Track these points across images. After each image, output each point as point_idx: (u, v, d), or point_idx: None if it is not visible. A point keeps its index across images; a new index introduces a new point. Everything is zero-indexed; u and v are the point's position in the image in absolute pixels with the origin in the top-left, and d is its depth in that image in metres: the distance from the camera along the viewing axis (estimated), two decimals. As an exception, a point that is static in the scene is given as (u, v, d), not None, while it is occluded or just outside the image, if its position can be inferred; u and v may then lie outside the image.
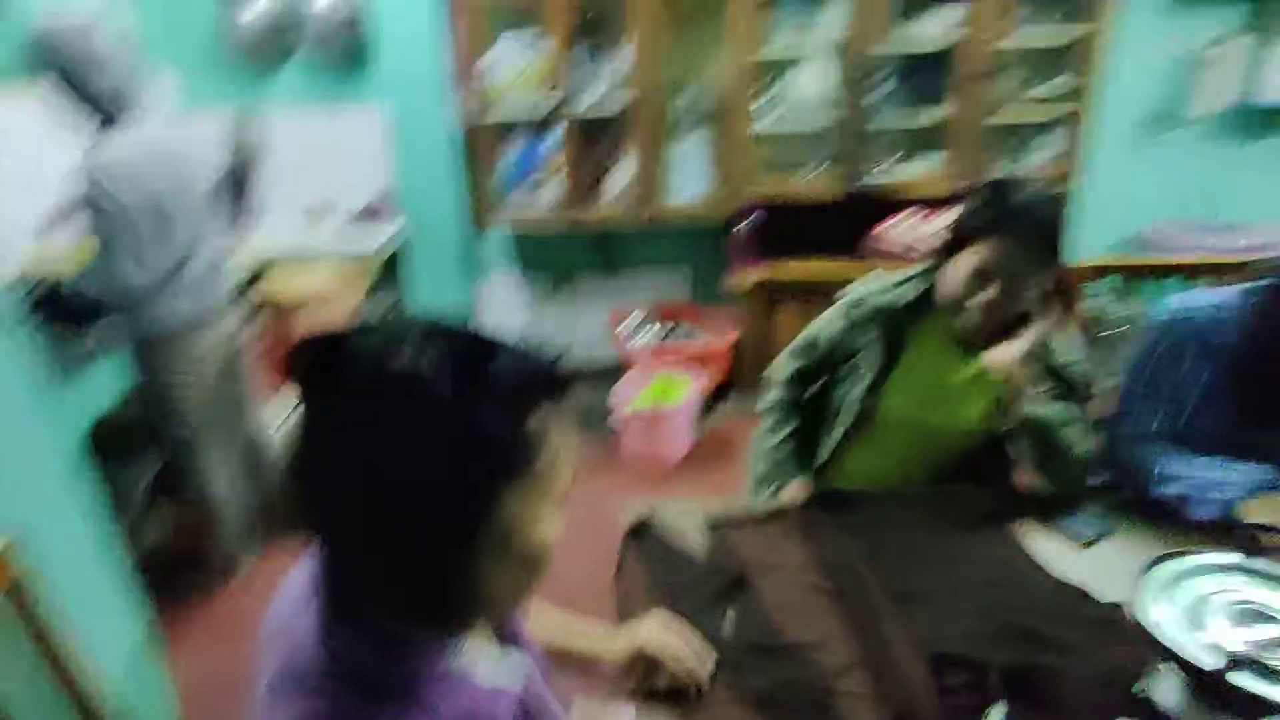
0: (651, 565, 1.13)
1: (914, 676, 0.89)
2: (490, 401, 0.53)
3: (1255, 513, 1.11)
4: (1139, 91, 2.96)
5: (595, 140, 2.95)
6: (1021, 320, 1.20)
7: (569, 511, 0.62)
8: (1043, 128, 2.85)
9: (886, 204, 2.87)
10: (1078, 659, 0.92)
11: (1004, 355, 1.18)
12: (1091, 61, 2.65)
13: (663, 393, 2.77)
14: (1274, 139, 3.06)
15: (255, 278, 2.44)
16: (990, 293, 1.18)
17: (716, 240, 3.07)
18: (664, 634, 0.92)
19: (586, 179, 2.95)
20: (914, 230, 2.81)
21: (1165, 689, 0.83)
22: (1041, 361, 1.22)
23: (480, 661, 0.64)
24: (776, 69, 2.75)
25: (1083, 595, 1.05)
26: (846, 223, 2.92)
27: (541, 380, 0.57)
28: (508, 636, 0.73)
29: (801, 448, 1.46)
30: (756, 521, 1.23)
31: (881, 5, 2.56)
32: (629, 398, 2.74)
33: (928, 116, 2.79)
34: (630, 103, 2.71)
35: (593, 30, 2.74)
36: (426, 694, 0.58)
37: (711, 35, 2.75)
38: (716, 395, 3.09)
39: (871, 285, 1.36)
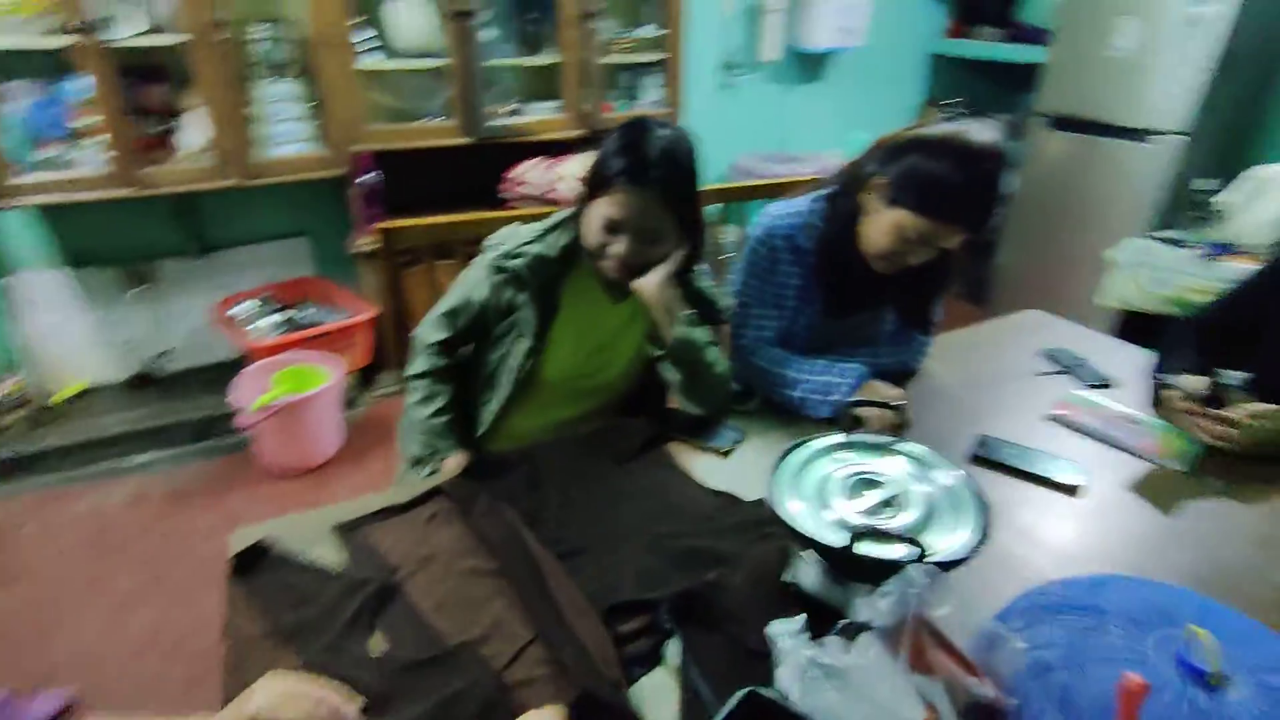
0: (268, 605, 0.88)
1: (591, 638, 0.81)
2: None
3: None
4: (715, 39, 3.29)
5: (144, 85, 2.33)
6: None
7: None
8: (645, 71, 3.01)
9: (515, 149, 2.79)
10: (734, 565, 0.93)
11: (650, 280, 1.17)
12: (670, 11, 2.85)
13: (295, 384, 2.38)
14: (818, 81, 3.67)
15: None
16: (622, 243, 1.14)
17: (336, 201, 2.70)
18: (280, 700, 0.70)
19: (142, 134, 2.33)
20: (548, 174, 2.78)
21: (805, 572, 0.87)
22: (681, 286, 1.24)
23: None
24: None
25: (732, 500, 1.09)
26: (476, 171, 2.78)
27: None
28: None
29: (459, 417, 1.32)
30: (401, 511, 1.05)
31: (473, -65, 2.40)
32: (254, 395, 2.29)
33: (541, 58, 2.75)
34: (192, 37, 2.17)
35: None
36: None
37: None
38: (365, 378, 2.78)
39: (511, 240, 1.25)
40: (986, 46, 3.65)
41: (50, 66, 2.20)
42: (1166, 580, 0.95)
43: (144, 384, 2.72)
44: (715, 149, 3.43)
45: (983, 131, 1.18)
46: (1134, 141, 2.83)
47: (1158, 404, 1.37)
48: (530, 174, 2.80)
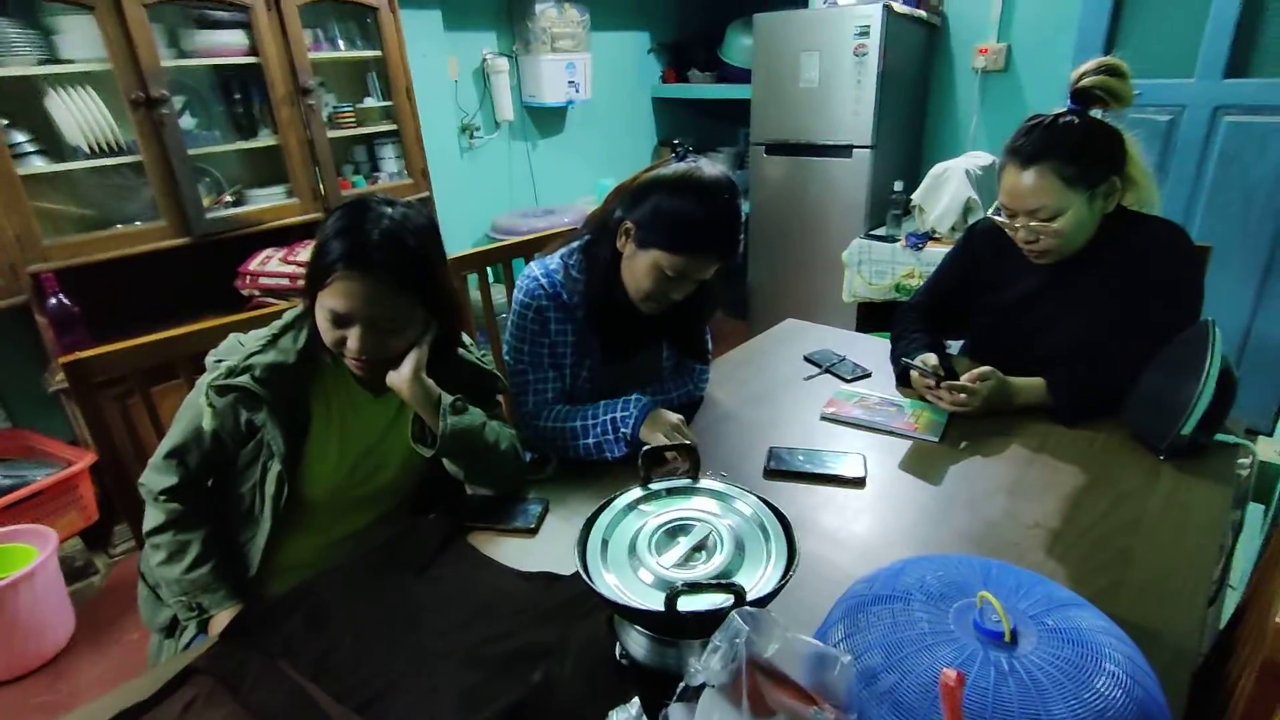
0: None
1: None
2: None
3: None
4: (448, 104, 3.26)
5: None
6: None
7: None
8: (381, 142, 2.89)
9: (245, 241, 2.51)
10: (563, 653, 0.86)
11: (401, 375, 1.08)
12: (394, 80, 2.77)
13: (-5, 568, 1.90)
14: (557, 134, 3.78)
15: None
16: (355, 336, 1.03)
17: (23, 335, 2.24)
18: None
19: None
20: (288, 263, 2.53)
21: (635, 643, 0.82)
22: (447, 366, 1.16)
23: None
24: (25, 93, 2.08)
25: (549, 579, 1.02)
26: (204, 273, 2.47)
27: None
28: None
29: (224, 561, 1.12)
30: (146, 709, 0.84)
31: (140, 18, 2.14)
32: (-63, 598, 1.79)
33: (257, 141, 2.52)
34: None
35: None
36: None
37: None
38: (97, 539, 2.31)
39: (234, 354, 1.08)
40: (699, 88, 4.00)
41: None
42: (951, 545, 1.05)
43: None
44: (471, 212, 3.39)
45: (712, 167, 1.25)
46: (836, 157, 3.24)
47: (903, 384, 1.53)
48: (269, 265, 2.54)
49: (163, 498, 1.10)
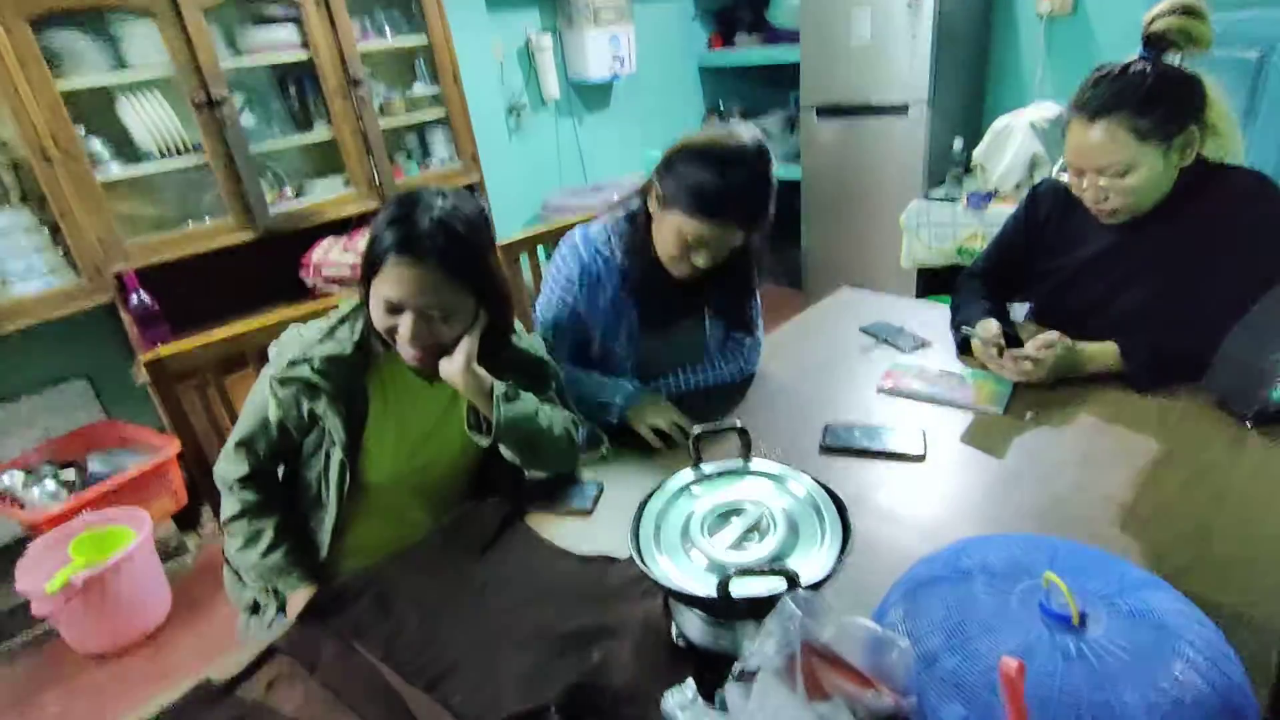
0: None
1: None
2: None
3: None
4: (494, 86, 3.27)
5: None
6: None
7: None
8: (431, 129, 2.93)
9: (307, 233, 2.60)
10: (620, 635, 0.88)
11: (454, 365, 1.10)
12: (441, 66, 2.79)
13: (97, 551, 2.04)
14: (604, 110, 3.75)
15: None
16: (407, 324, 1.05)
17: (112, 331, 2.38)
18: None
19: None
20: (348, 252, 2.61)
21: (690, 625, 0.83)
22: (498, 354, 1.17)
23: None
24: (99, 102, 2.18)
25: (607, 562, 1.03)
26: (269, 265, 2.57)
27: None
28: None
29: (299, 544, 1.17)
30: (227, 691, 0.89)
31: (199, 22, 2.21)
32: (48, 575, 1.94)
33: (314, 135, 2.59)
34: None
35: None
36: None
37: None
38: (187, 521, 2.46)
39: (294, 346, 1.12)
40: (746, 53, 3.90)
41: None
42: (1014, 525, 1.02)
43: (-97, 597, 2.24)
44: (521, 192, 3.41)
45: (745, 131, 1.23)
46: (893, 116, 3.12)
47: (965, 353, 1.48)
48: (330, 255, 2.62)
49: (236, 486, 1.17)
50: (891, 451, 1.20)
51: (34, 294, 2.12)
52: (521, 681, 0.83)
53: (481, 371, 1.12)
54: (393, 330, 1.07)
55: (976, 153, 2.85)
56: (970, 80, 3.27)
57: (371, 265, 1.05)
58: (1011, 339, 1.36)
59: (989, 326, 1.37)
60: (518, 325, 1.25)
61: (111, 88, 2.18)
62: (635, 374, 1.40)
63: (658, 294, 1.37)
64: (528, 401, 1.16)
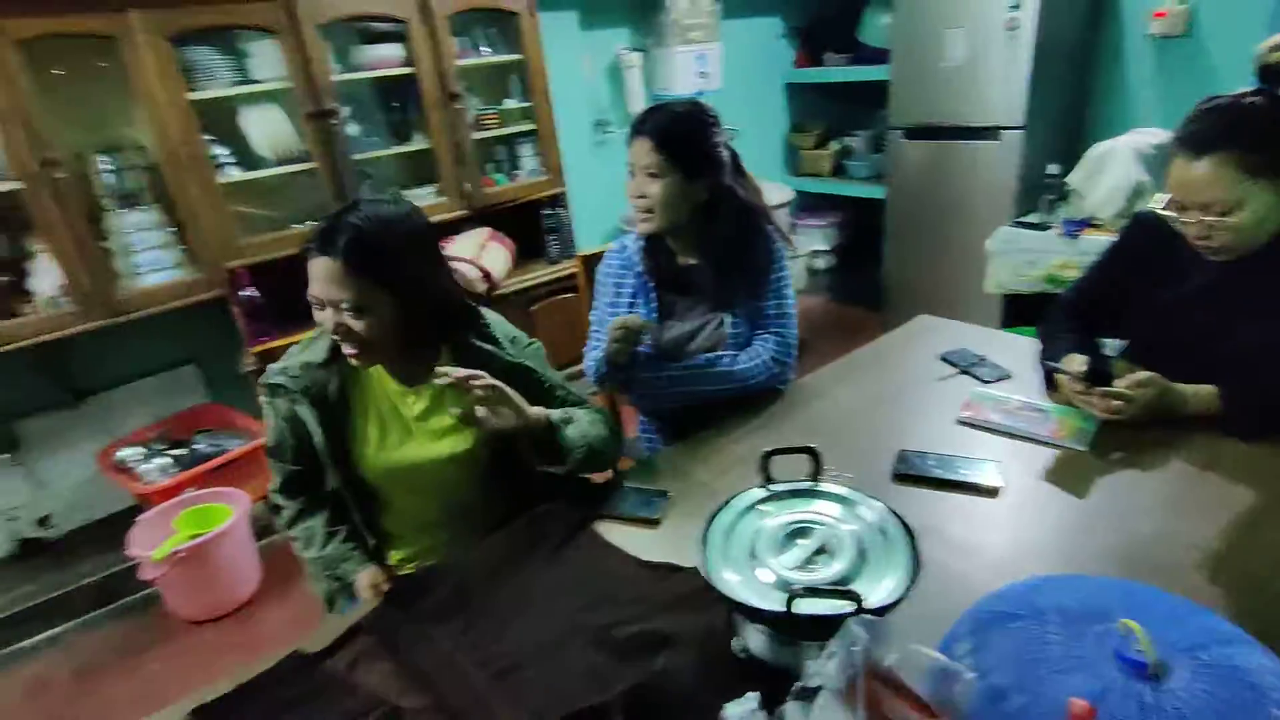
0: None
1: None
2: None
3: None
4: (582, 101, 3.37)
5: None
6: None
7: None
8: (519, 141, 3.04)
9: (399, 240, 2.73)
10: (683, 643, 0.90)
11: (506, 422, 1.13)
12: (532, 81, 2.90)
13: (200, 524, 2.21)
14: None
15: None
16: (329, 315, 1.12)
17: (221, 322, 2.57)
18: None
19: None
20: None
21: (754, 639, 0.84)
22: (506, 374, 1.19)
23: None
24: (223, 112, 2.37)
25: (671, 570, 1.06)
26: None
27: None
28: None
29: (350, 536, 1.28)
30: (315, 662, 0.96)
31: (314, 39, 2.38)
32: (156, 543, 2.11)
33: (412, 145, 2.74)
34: (22, 183, 2.04)
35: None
36: None
37: (114, 85, 2.23)
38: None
39: (283, 361, 1.24)
40: (834, 71, 3.88)
41: None
42: (1092, 566, 0.99)
43: (32, 554, 2.47)
44: (603, 205, 3.49)
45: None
46: (982, 140, 3.04)
47: (1051, 388, 1.44)
48: (420, 260, 2.75)
49: (281, 496, 1.29)
50: (966, 483, 1.18)
51: (159, 284, 2.32)
52: (586, 679, 0.87)
53: (535, 411, 1.16)
54: (331, 329, 1.14)
55: (1073, 178, 2.75)
56: (1069, 103, 3.16)
57: (303, 268, 1.13)
58: (1102, 375, 1.31)
59: (1075, 361, 1.33)
60: (513, 333, 1.31)
61: (235, 98, 2.37)
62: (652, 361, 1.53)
63: (671, 277, 1.53)
64: (578, 420, 1.23)
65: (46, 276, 2.21)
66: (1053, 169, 2.86)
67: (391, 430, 1.24)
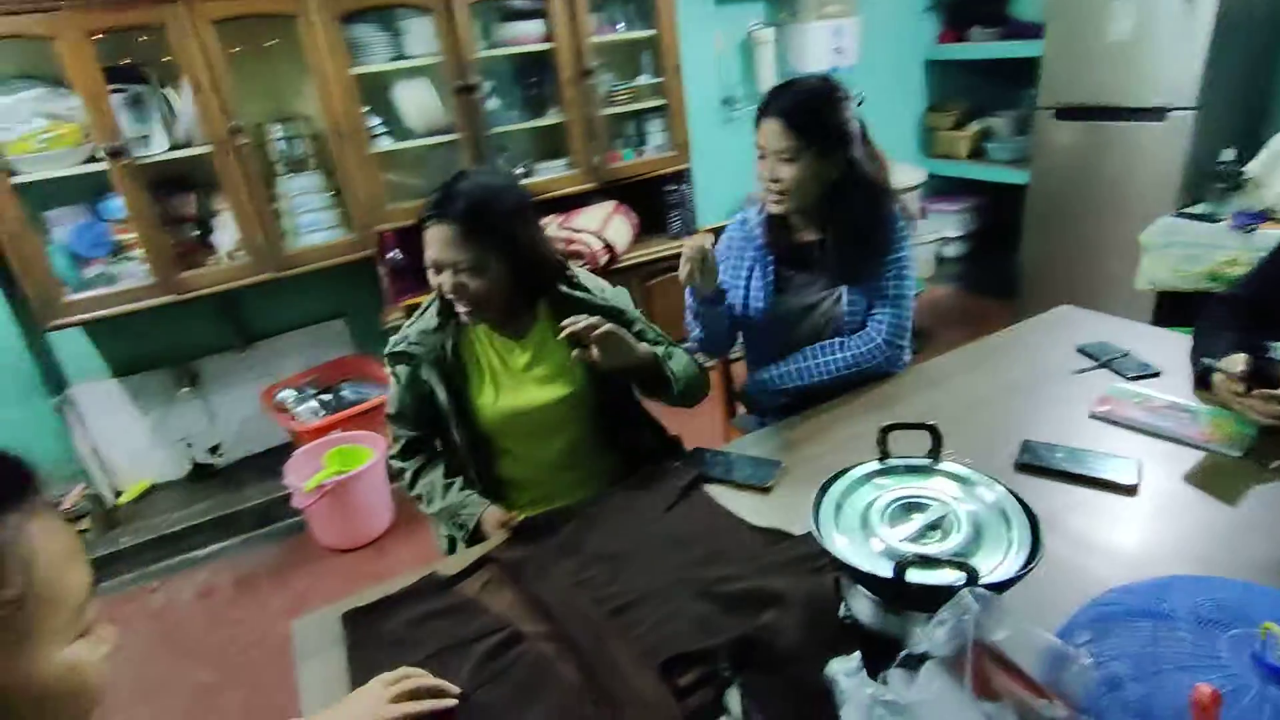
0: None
1: (649, 695, 0.82)
2: None
3: None
4: (712, 78, 3.36)
5: (176, 196, 2.47)
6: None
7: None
8: (648, 117, 3.09)
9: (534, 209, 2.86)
10: (789, 604, 0.93)
11: (607, 360, 1.21)
12: (664, 58, 2.93)
13: (344, 463, 2.44)
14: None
15: None
16: (447, 277, 1.21)
17: (368, 280, 2.80)
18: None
19: (179, 241, 2.46)
20: (564, 229, 2.85)
21: (860, 605, 0.86)
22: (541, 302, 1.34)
23: None
24: (379, 85, 2.56)
25: (780, 536, 1.09)
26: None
27: None
28: None
29: (467, 484, 1.38)
30: (449, 584, 1.07)
31: (464, 17, 2.52)
32: (307, 477, 2.36)
33: (546, 119, 2.84)
34: (212, 148, 2.30)
35: (129, 77, 2.26)
36: None
37: (287, 60, 2.46)
38: (410, 446, 2.84)
39: (401, 333, 1.35)
40: (981, 47, 3.66)
41: (90, 190, 2.33)
42: (1235, 575, 0.93)
43: (203, 477, 2.82)
44: (726, 184, 3.48)
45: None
46: (1145, 122, 2.79)
47: (1203, 388, 1.34)
48: (549, 230, 2.87)
49: (399, 459, 1.41)
50: (1098, 478, 1.13)
51: (319, 244, 2.56)
52: (695, 626, 0.92)
53: (643, 347, 1.27)
54: (439, 288, 1.24)
55: (1252, 167, 2.48)
56: (1252, 84, 2.83)
57: (420, 227, 1.23)
58: (1265, 377, 1.21)
59: (1236, 360, 1.23)
60: (599, 282, 1.39)
61: (391, 73, 2.55)
62: (770, 338, 1.57)
63: (790, 252, 1.54)
64: (676, 356, 1.33)
65: (227, 232, 2.49)
66: (1227, 155, 2.59)
67: (504, 382, 1.35)
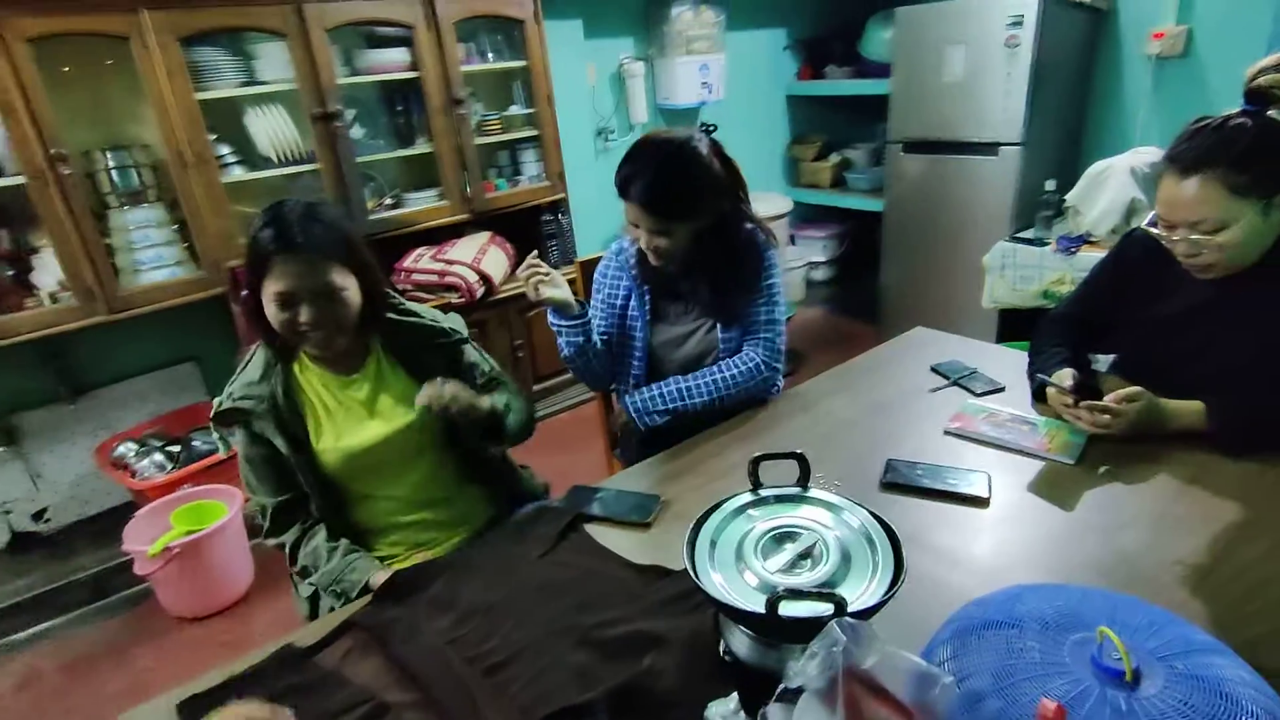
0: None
1: (526, 759, 0.77)
2: None
3: None
4: (585, 109, 3.39)
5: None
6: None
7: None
8: (522, 147, 3.06)
9: (400, 240, 2.76)
10: (669, 645, 0.91)
11: (430, 393, 1.20)
12: (536, 88, 2.92)
13: (195, 521, 2.21)
14: (690, 136, 3.82)
15: None
16: (305, 311, 1.16)
17: (223, 320, 2.58)
18: None
19: (-11, 283, 2.18)
20: (438, 260, 2.76)
21: (738, 641, 0.85)
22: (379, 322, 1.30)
23: None
24: (229, 112, 2.39)
25: (660, 573, 1.07)
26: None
27: None
28: None
29: (351, 547, 1.29)
30: (306, 655, 0.97)
31: (322, 42, 2.40)
32: (151, 539, 2.12)
33: (415, 148, 2.76)
34: (26, 179, 2.06)
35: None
36: None
37: (123, 84, 2.26)
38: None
39: (224, 393, 1.26)
40: (836, 85, 3.91)
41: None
42: (1077, 576, 1.00)
43: (26, 547, 2.48)
44: (603, 214, 3.51)
45: (680, 131, 1.45)
46: (981, 155, 3.07)
47: (1039, 401, 1.45)
48: (421, 262, 2.77)
49: (273, 533, 1.30)
50: (954, 493, 1.20)
51: (161, 282, 2.34)
52: (574, 678, 0.88)
53: (485, 402, 1.28)
54: (291, 324, 1.16)
55: (1070, 195, 2.77)
56: (1067, 121, 3.19)
57: (257, 271, 1.16)
58: (1091, 390, 1.32)
59: (1065, 375, 1.34)
60: (417, 307, 1.38)
61: (241, 99, 2.39)
62: (647, 367, 1.59)
63: (667, 287, 1.57)
64: (511, 406, 1.34)
65: (49, 271, 2.23)
66: (1050, 186, 2.89)
67: (342, 421, 1.28)
